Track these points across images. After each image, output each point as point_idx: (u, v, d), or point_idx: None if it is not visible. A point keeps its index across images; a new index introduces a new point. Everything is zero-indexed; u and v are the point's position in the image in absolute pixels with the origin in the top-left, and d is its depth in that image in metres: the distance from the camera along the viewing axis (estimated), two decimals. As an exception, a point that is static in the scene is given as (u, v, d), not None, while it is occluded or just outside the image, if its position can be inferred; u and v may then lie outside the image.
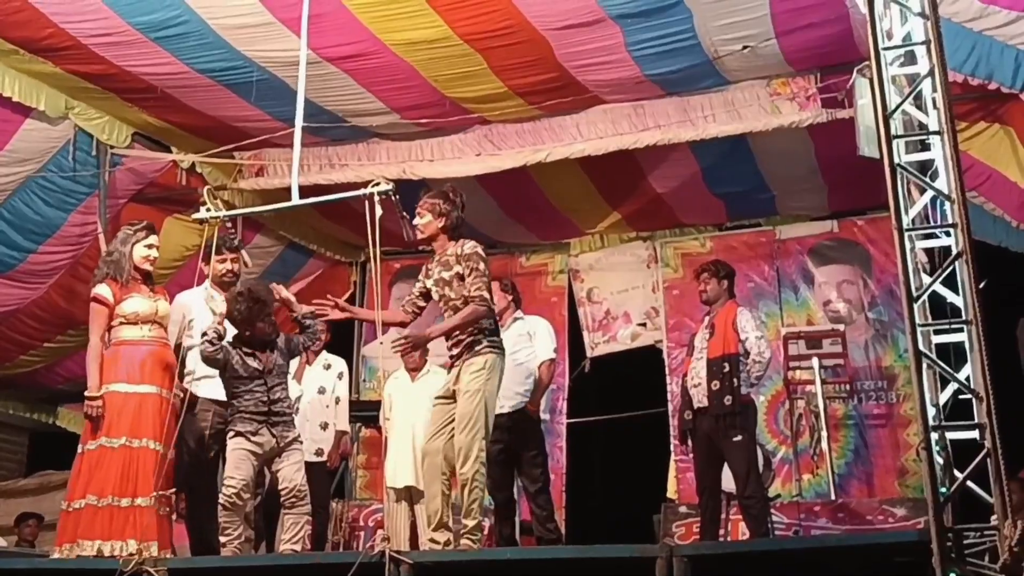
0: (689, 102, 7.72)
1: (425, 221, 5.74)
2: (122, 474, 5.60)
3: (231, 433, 5.67)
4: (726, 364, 6.55)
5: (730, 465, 6.62)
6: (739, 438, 6.51)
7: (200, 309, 6.12)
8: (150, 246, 5.98)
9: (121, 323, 5.82)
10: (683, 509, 8.02)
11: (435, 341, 5.89)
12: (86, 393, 5.74)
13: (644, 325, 10.26)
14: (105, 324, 5.82)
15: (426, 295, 5.82)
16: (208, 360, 5.70)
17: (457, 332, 5.57)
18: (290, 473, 5.64)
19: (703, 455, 6.77)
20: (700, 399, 6.65)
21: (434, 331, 5.71)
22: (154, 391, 5.77)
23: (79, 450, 5.80)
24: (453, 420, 5.50)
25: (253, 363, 5.69)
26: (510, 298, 7.15)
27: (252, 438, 5.60)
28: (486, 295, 5.58)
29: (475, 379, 5.46)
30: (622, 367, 10.02)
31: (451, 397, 5.58)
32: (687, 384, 6.83)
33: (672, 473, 9.35)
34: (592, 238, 10.63)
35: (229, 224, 6.73)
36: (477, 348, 5.52)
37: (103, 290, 5.87)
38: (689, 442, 6.95)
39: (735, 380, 6.51)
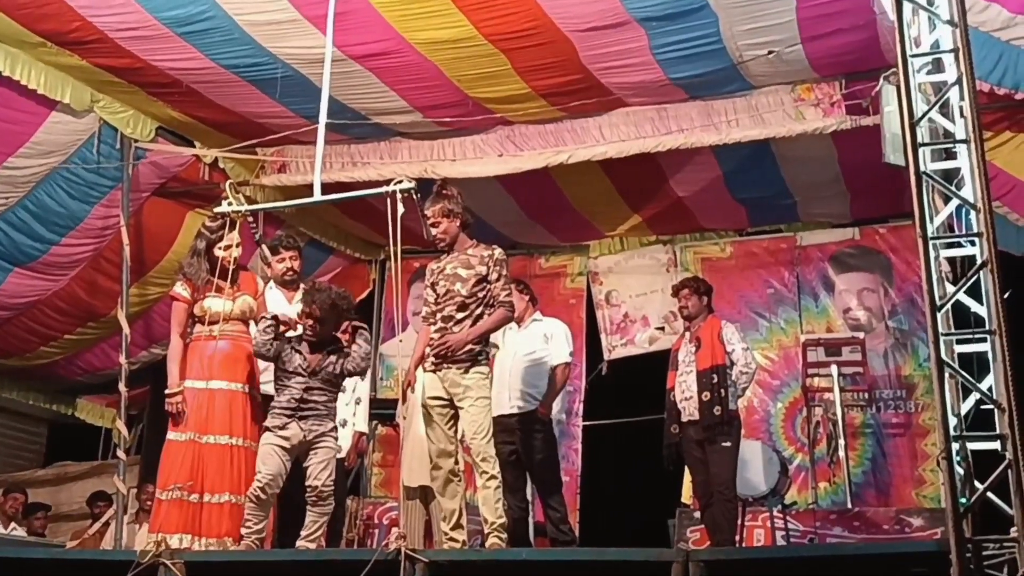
0: (713, 106, 7.72)
1: (444, 227, 5.78)
2: (190, 469, 5.68)
3: (264, 428, 5.74)
4: (715, 375, 6.69)
5: (712, 467, 6.70)
6: (727, 444, 6.65)
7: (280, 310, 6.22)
8: (227, 247, 6.02)
9: (195, 321, 5.95)
10: (698, 515, 7.99)
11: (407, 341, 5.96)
12: (166, 391, 5.85)
13: (662, 329, 10.22)
14: (182, 321, 5.95)
15: (436, 299, 5.86)
16: (259, 352, 5.80)
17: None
18: (315, 471, 5.65)
19: (698, 463, 6.86)
20: (691, 412, 6.76)
21: (472, 334, 5.61)
22: (223, 386, 5.84)
23: (166, 439, 5.90)
24: (453, 421, 5.64)
25: (299, 360, 5.74)
26: (527, 299, 7.18)
27: (279, 432, 5.64)
28: (514, 302, 5.82)
29: (484, 386, 5.62)
30: (639, 370, 9.98)
31: (448, 399, 5.63)
32: (676, 398, 6.90)
33: (688, 478, 9.32)
34: (612, 241, 10.62)
35: (251, 219, 6.78)
36: (480, 359, 5.65)
37: (178, 288, 6.04)
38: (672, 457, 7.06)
39: (723, 391, 6.65)
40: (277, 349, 5.75)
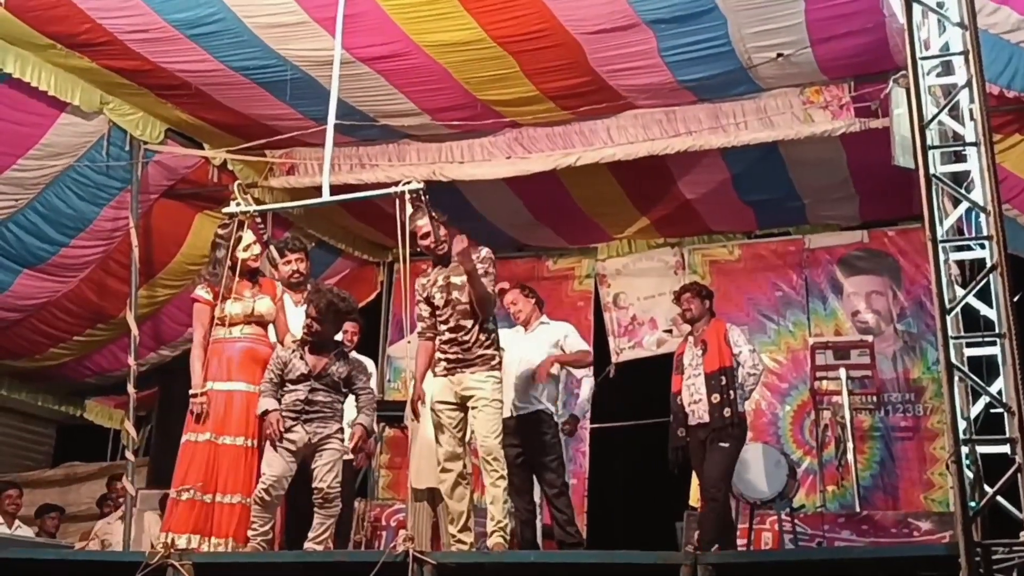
0: (721, 108, 7.72)
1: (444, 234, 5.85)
2: (205, 470, 5.69)
3: None
4: (723, 377, 6.69)
5: (706, 465, 6.69)
6: (726, 445, 6.62)
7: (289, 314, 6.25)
8: (247, 247, 6.04)
9: (217, 324, 5.95)
10: (705, 517, 7.97)
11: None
12: (190, 391, 5.85)
13: (670, 332, 10.20)
14: (205, 323, 5.95)
15: (432, 312, 5.84)
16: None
17: (475, 344, 5.67)
18: (321, 473, 5.65)
19: (703, 465, 6.81)
20: (701, 415, 6.75)
21: (475, 267, 5.61)
22: (242, 388, 5.84)
23: (183, 439, 5.90)
24: (462, 425, 5.68)
25: (301, 366, 5.73)
26: (532, 302, 7.16)
27: (285, 435, 5.63)
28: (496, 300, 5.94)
29: (497, 389, 5.67)
30: (647, 373, 9.97)
31: (456, 402, 5.67)
32: (684, 401, 6.89)
33: (695, 481, 9.30)
34: (620, 243, 10.61)
35: (259, 220, 6.80)
36: (493, 363, 5.69)
37: (199, 291, 6.06)
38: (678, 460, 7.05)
39: (731, 392, 6.65)
40: (284, 362, 5.75)
